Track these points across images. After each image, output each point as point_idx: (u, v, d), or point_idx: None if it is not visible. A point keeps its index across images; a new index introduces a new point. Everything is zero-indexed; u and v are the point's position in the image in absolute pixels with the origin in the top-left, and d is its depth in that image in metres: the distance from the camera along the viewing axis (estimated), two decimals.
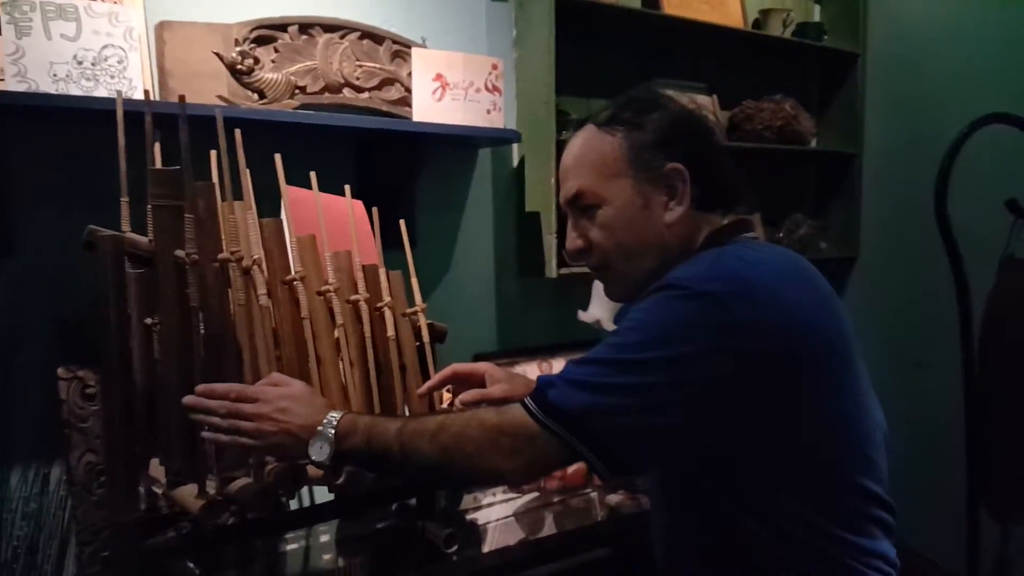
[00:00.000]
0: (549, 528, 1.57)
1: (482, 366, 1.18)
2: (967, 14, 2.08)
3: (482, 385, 1.16)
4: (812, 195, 2.50)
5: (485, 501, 1.66)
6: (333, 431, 0.91)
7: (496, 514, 1.61)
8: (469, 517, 1.58)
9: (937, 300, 2.14)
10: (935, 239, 1.76)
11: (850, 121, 2.36)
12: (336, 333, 1.22)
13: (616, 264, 0.97)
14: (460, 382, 1.18)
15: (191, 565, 1.31)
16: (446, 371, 1.19)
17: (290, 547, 1.44)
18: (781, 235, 2.32)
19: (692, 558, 0.96)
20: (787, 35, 2.25)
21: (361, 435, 0.91)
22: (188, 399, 0.99)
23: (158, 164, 1.12)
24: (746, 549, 0.88)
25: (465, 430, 0.87)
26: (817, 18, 2.45)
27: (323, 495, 1.36)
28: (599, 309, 1.78)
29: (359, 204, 1.33)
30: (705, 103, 2.17)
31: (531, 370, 1.88)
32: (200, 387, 1.00)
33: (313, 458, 0.92)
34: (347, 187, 1.28)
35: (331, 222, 1.25)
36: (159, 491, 1.16)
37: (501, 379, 1.15)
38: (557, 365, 1.94)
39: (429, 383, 1.21)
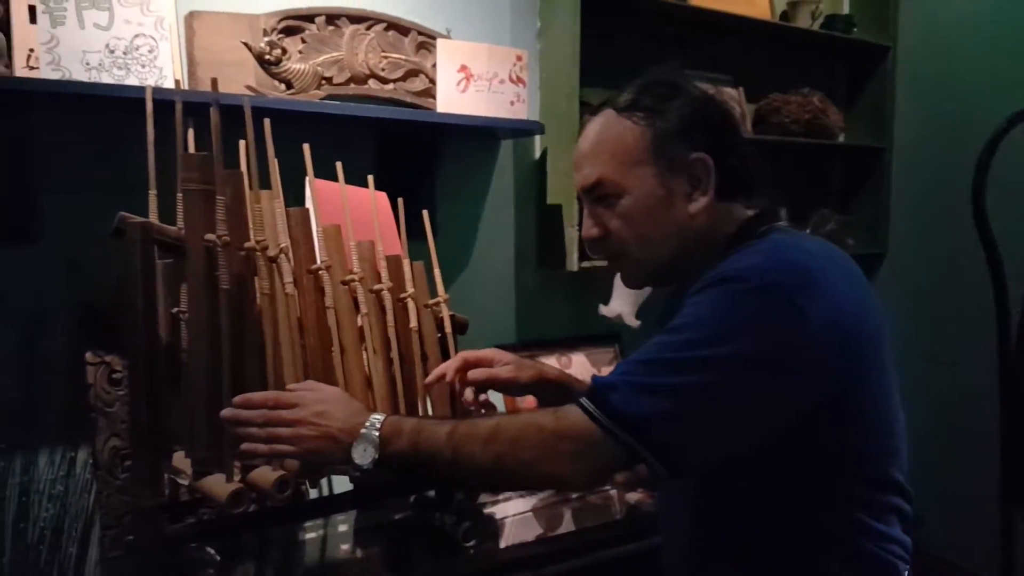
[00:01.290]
0: (567, 525, 1.56)
1: (489, 352, 1.16)
2: (1003, 6, 2.04)
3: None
4: (839, 190, 2.47)
5: (502, 496, 1.65)
6: (377, 433, 0.87)
7: (513, 509, 1.60)
8: (486, 511, 1.57)
9: (967, 297, 2.11)
10: (966, 235, 1.72)
11: (879, 115, 2.32)
12: (359, 322, 1.22)
13: (634, 253, 0.94)
14: (469, 368, 1.16)
15: (211, 551, 1.33)
16: (456, 359, 1.16)
17: (308, 535, 1.45)
18: (808, 231, 2.29)
19: (714, 550, 0.95)
20: (815, 27, 2.22)
21: (407, 438, 0.87)
22: (226, 412, 0.96)
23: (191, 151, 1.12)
24: (769, 537, 0.88)
25: (521, 435, 0.83)
26: (846, 10, 2.41)
27: (342, 484, 1.37)
28: (621, 303, 1.77)
29: (383, 196, 1.33)
30: (731, 95, 2.15)
31: (551, 362, 1.87)
32: (237, 398, 0.96)
33: (356, 462, 0.87)
34: (370, 178, 1.28)
35: (355, 212, 1.25)
36: (184, 482, 1.16)
37: (508, 362, 1.14)
38: (576, 359, 1.94)
39: (438, 371, 1.18)
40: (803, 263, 0.82)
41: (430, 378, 1.20)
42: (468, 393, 1.17)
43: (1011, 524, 1.73)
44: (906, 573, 0.89)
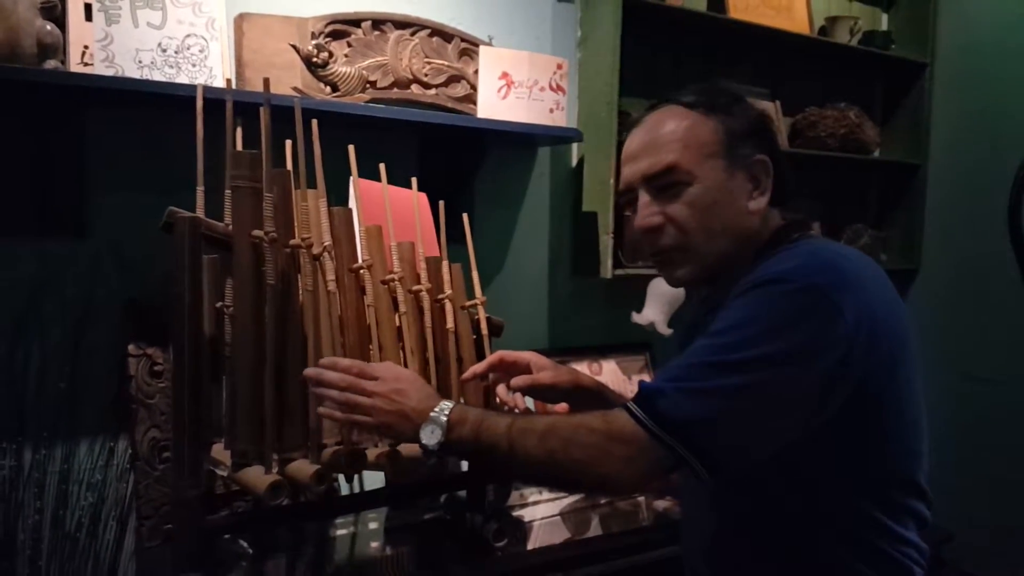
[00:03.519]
0: (595, 530, 1.56)
1: (526, 354, 1.18)
2: None
3: (527, 372, 1.16)
4: (874, 205, 2.46)
5: (531, 499, 1.66)
6: (446, 418, 0.91)
7: (542, 512, 1.61)
8: (516, 514, 1.58)
9: (1003, 315, 2.09)
10: (1000, 252, 1.72)
11: (915, 131, 2.32)
12: (397, 322, 1.24)
13: (694, 244, 0.94)
14: (506, 369, 1.18)
15: (244, 544, 1.35)
16: (493, 357, 1.19)
17: (339, 532, 1.46)
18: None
19: (735, 546, 0.97)
20: (854, 43, 2.21)
21: (471, 426, 0.91)
22: (309, 371, 1.01)
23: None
24: (789, 534, 0.90)
25: (574, 436, 0.85)
26: (884, 27, 2.41)
27: (373, 482, 1.38)
28: (653, 312, 1.77)
29: (423, 197, 1.35)
30: (768, 108, 2.15)
31: (581, 369, 1.88)
32: (324, 360, 1.02)
33: (423, 442, 0.92)
34: (414, 180, 1.30)
35: (397, 213, 1.27)
36: (223, 473, 1.18)
37: (546, 366, 1.16)
38: (607, 366, 1.94)
39: (475, 368, 1.21)
40: (840, 265, 0.85)
41: (466, 375, 1.23)
42: (503, 391, 1.20)
43: None
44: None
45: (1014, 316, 1.84)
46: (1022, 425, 1.81)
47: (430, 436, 0.91)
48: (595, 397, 1.18)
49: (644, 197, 0.95)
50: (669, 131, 0.94)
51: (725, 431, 0.81)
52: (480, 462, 1.04)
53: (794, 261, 0.85)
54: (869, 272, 0.88)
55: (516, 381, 1.14)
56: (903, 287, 2.40)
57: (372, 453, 1.15)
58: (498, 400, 1.24)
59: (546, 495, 1.67)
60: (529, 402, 1.22)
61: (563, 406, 1.20)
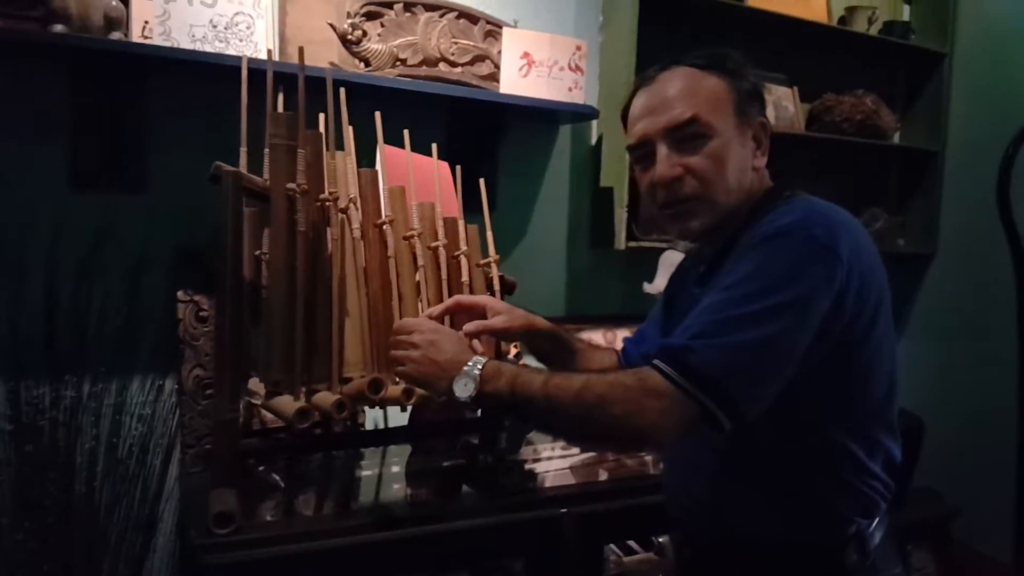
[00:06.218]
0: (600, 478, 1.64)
1: (484, 299, 1.25)
2: None
3: (483, 317, 1.21)
4: (893, 190, 2.51)
5: (544, 454, 1.75)
6: (479, 371, 0.94)
7: (554, 466, 1.70)
8: (528, 467, 1.68)
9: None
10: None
11: (934, 118, 2.36)
12: (417, 276, 1.36)
13: (712, 194, 0.98)
14: (463, 312, 1.24)
15: (276, 477, 1.48)
16: (450, 301, 1.24)
17: (365, 473, 1.58)
18: None
19: (716, 486, 1.01)
20: (873, 32, 2.26)
21: (505, 381, 0.93)
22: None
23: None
24: (767, 469, 0.96)
25: (609, 392, 0.88)
26: (906, 17, 2.45)
27: (396, 420, 1.50)
28: (664, 281, 1.86)
29: (444, 164, 1.47)
30: (784, 94, 2.22)
31: (596, 337, 1.98)
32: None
33: (456, 394, 0.95)
34: (434, 145, 1.41)
35: (418, 178, 1.38)
36: (257, 402, 1.31)
37: (501, 311, 1.21)
38: (621, 334, 2.03)
39: (432, 309, 1.25)
40: (834, 218, 0.92)
41: (424, 315, 1.26)
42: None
43: None
44: (883, 509, 0.98)
45: None
46: None
47: (463, 389, 0.95)
48: (550, 338, 1.25)
49: (663, 150, 0.98)
50: (687, 86, 0.99)
51: (754, 381, 0.85)
52: (513, 415, 1.10)
53: (794, 215, 0.91)
54: (856, 227, 0.95)
55: (468, 327, 1.17)
56: (921, 271, 2.44)
57: (394, 389, 1.25)
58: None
59: (558, 451, 1.77)
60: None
61: None
